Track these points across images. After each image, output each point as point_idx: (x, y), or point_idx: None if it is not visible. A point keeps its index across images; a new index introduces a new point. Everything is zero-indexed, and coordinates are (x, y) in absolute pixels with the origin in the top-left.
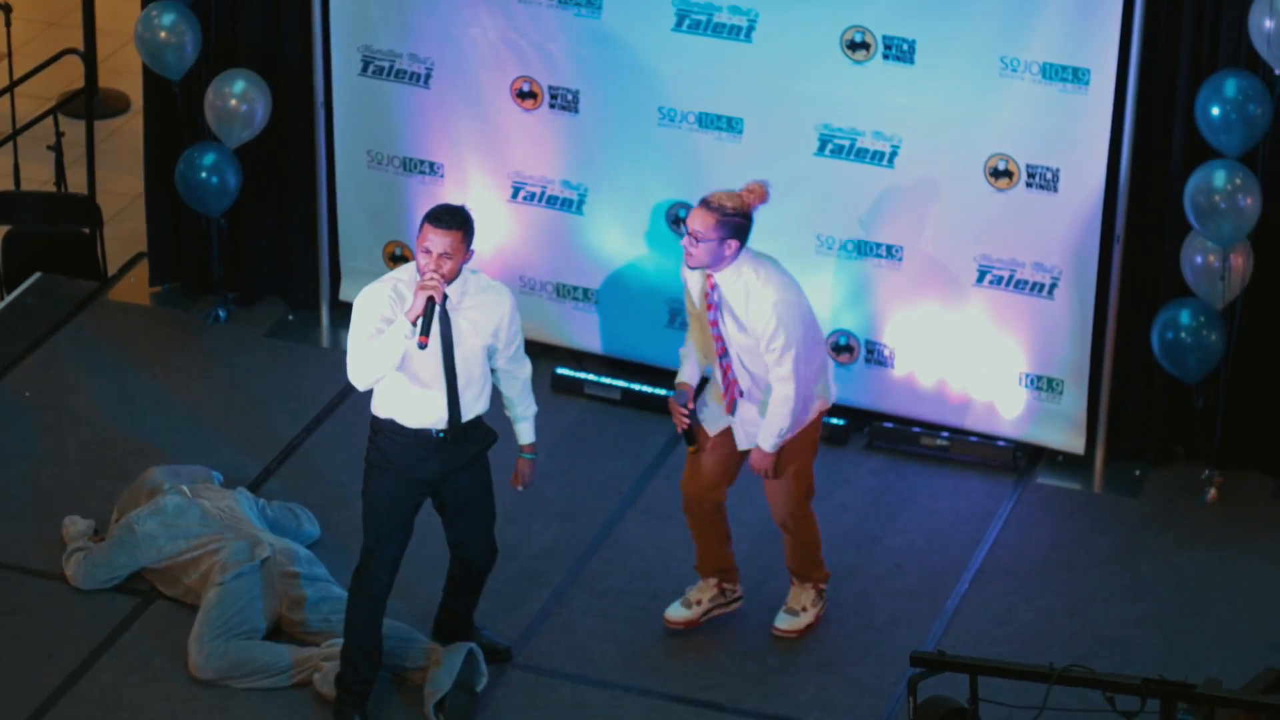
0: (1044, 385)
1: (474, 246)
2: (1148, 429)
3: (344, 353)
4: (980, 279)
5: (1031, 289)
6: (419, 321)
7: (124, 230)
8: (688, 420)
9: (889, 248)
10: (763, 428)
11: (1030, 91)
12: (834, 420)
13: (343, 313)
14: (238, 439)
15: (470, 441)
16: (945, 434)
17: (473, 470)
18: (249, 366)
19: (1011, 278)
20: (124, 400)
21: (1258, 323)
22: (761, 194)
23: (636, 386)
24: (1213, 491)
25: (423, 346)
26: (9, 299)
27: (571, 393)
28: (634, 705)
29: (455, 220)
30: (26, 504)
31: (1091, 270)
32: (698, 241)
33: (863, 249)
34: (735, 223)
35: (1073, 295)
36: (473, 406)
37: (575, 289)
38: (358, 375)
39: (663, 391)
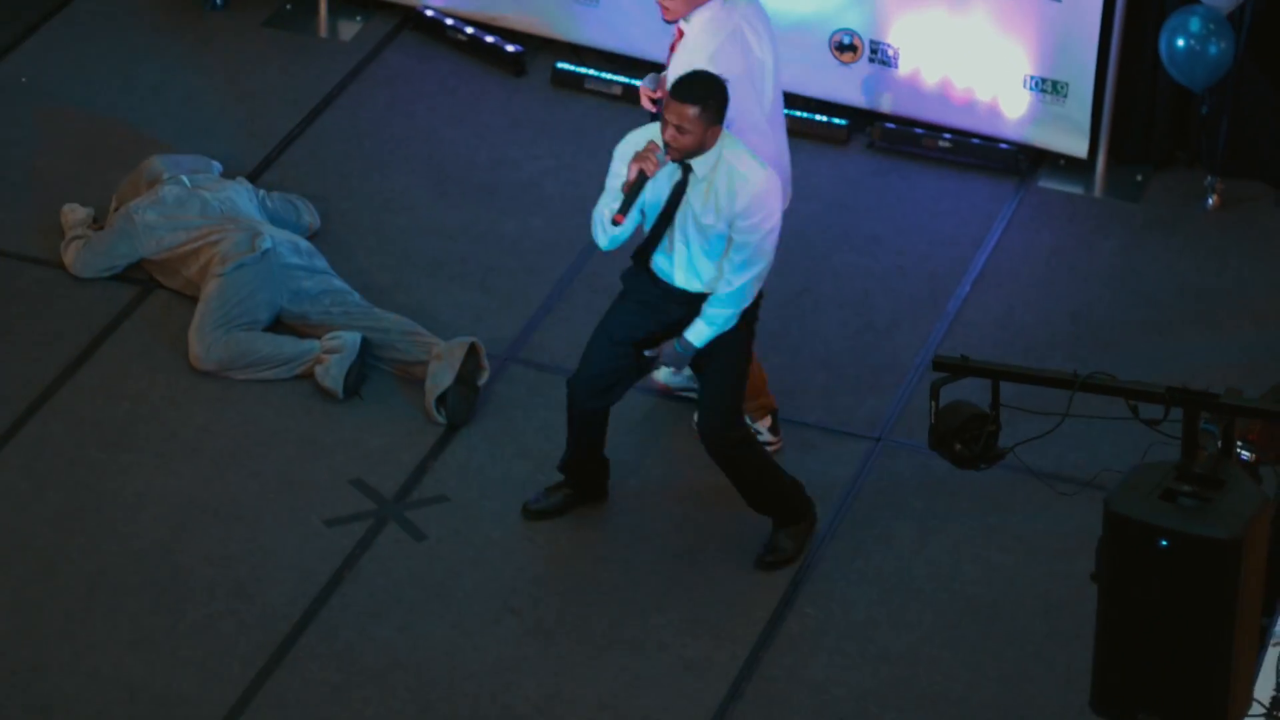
0: (1048, 88)
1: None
2: (1151, 134)
3: (342, 43)
4: None
5: None
6: (625, 195)
7: None
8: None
9: None
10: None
11: None
12: (836, 120)
13: (340, 2)
14: (237, 128)
15: (674, 305)
16: (948, 135)
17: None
18: (247, 55)
19: None
20: (122, 87)
21: (1266, 31)
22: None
23: (637, 82)
24: (1214, 198)
25: (616, 225)
26: None
27: (572, 88)
28: (633, 399)
29: (695, 93)
30: (24, 190)
31: None
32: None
33: None
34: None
35: None
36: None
37: None
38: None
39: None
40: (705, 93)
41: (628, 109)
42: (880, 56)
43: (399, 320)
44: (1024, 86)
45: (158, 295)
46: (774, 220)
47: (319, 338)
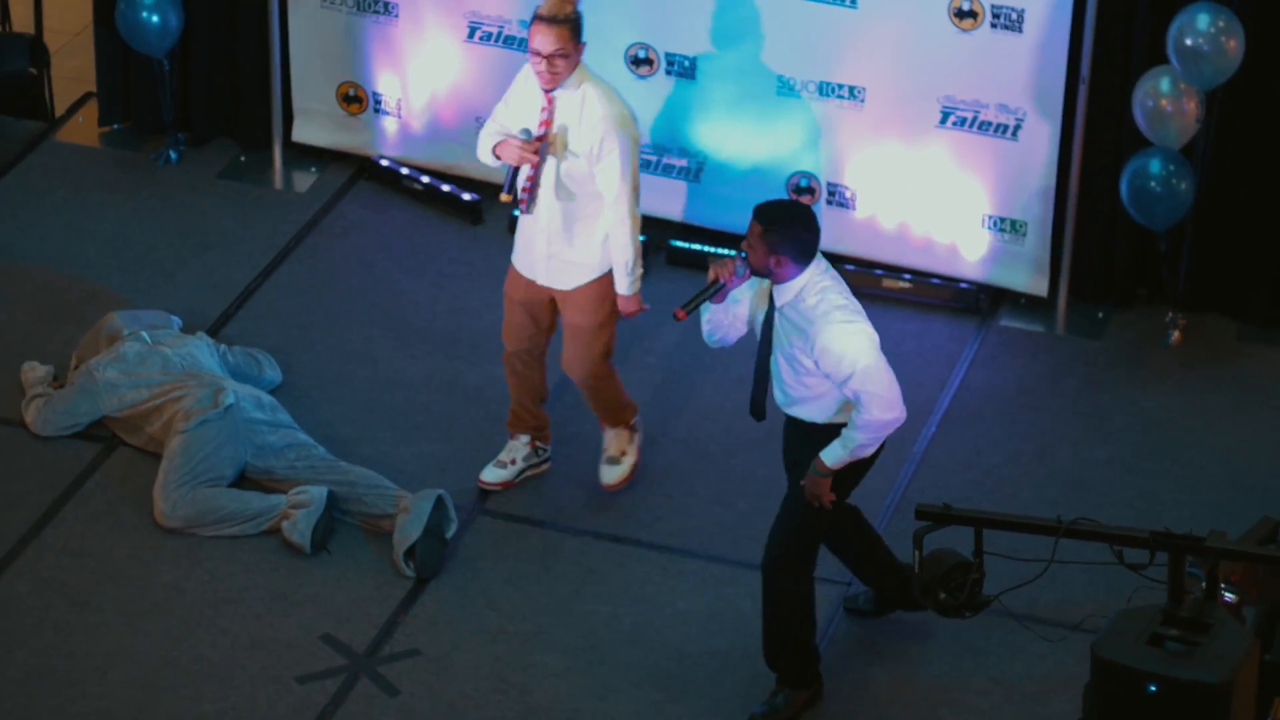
0: (1007, 227)
1: None
2: (1111, 271)
3: (297, 195)
4: (944, 120)
5: (995, 130)
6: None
7: (68, 68)
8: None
9: (851, 88)
10: (614, 266)
11: None
12: None
13: (295, 153)
14: (194, 282)
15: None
16: (908, 275)
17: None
18: (202, 208)
19: (975, 119)
20: (78, 243)
21: (1222, 167)
22: None
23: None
24: (1176, 334)
25: (676, 319)
26: None
27: None
28: (605, 551)
29: (760, 213)
30: None
31: (1056, 112)
32: (560, 58)
33: (824, 90)
34: (579, 24)
35: (1037, 137)
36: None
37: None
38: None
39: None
40: (771, 216)
41: None
42: (838, 199)
43: (365, 473)
44: (983, 226)
45: (121, 452)
46: (858, 365)
47: (285, 492)
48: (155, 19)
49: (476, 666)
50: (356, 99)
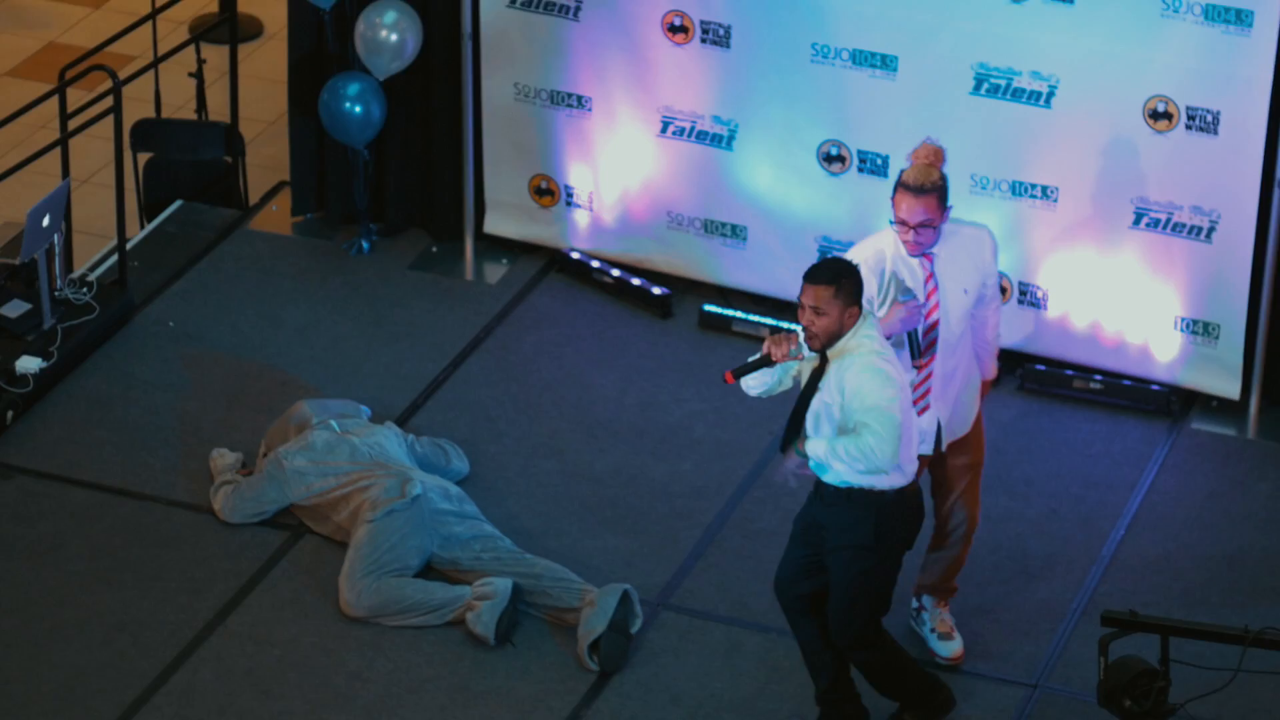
0: (1199, 329)
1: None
2: None
3: (488, 286)
4: (1137, 221)
5: (1189, 232)
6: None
7: (261, 156)
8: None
9: (1044, 188)
10: (991, 355)
11: (1192, 32)
12: None
13: (486, 245)
14: (383, 372)
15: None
16: (1099, 377)
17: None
18: (393, 299)
19: (1169, 220)
20: (268, 331)
21: None
22: (937, 152)
23: (784, 324)
24: None
25: (726, 382)
26: (150, 227)
27: (720, 329)
28: (789, 649)
29: (826, 274)
30: (173, 436)
31: (1251, 214)
32: (928, 229)
33: (1017, 189)
34: (946, 189)
35: (1231, 239)
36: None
37: (723, 225)
38: None
39: None
40: (837, 273)
41: None
42: (1030, 298)
43: (550, 566)
44: (1175, 328)
45: (307, 541)
46: (884, 403)
47: (470, 584)
48: (359, 109)
49: None
50: (549, 192)
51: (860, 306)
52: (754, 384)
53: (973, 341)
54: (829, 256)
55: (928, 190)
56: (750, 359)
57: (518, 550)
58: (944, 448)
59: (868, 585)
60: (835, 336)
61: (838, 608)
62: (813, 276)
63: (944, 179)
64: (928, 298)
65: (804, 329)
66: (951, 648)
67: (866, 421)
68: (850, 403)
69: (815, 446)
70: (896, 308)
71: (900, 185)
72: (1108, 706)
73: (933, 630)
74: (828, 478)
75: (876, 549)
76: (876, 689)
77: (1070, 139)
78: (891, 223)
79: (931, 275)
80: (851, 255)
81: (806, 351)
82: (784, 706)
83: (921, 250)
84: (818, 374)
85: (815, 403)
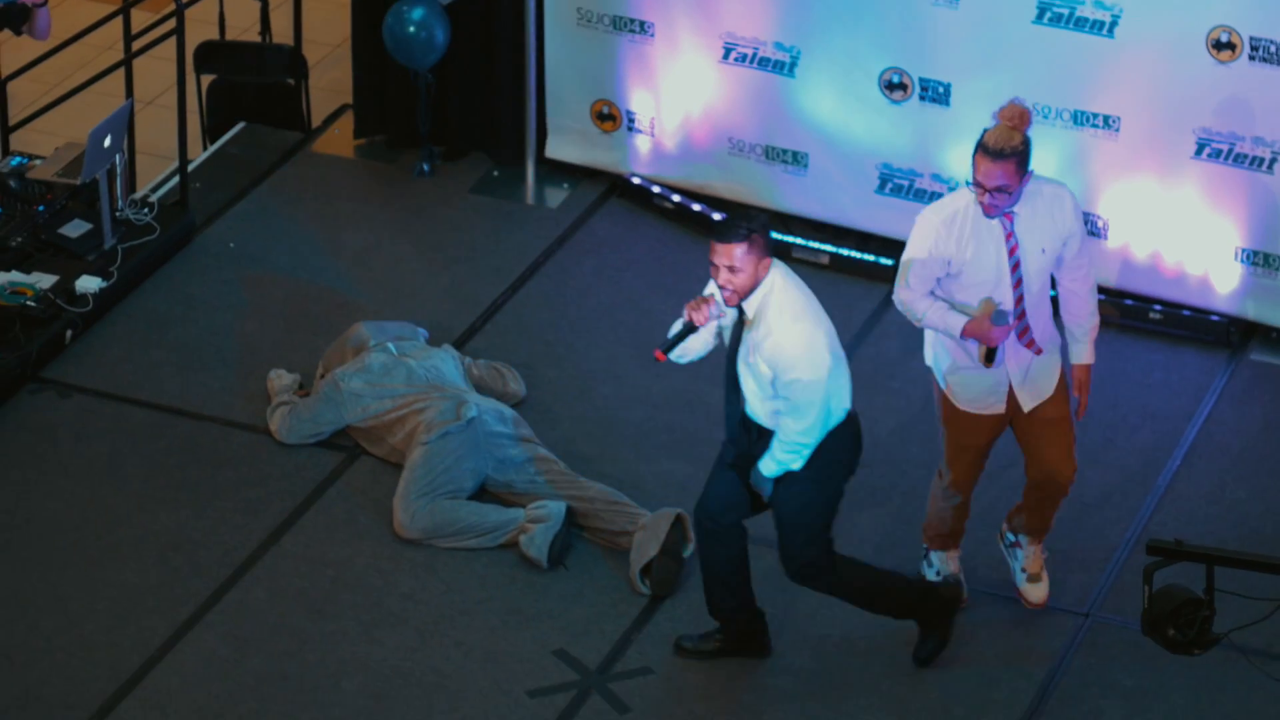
0: (1260, 261)
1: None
2: None
3: (549, 211)
4: (1198, 152)
5: (1250, 163)
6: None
7: (325, 80)
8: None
9: (1106, 118)
10: (1085, 337)
11: None
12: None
13: (547, 169)
14: (442, 295)
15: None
16: (1158, 307)
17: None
18: (453, 222)
19: (1230, 151)
20: (328, 253)
21: None
22: (1022, 115)
23: (844, 251)
24: None
25: (657, 360)
26: (213, 149)
27: (779, 256)
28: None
29: (736, 234)
30: (231, 356)
31: None
32: (1003, 193)
33: (1079, 119)
34: (1028, 154)
35: None
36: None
37: (784, 152)
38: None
39: (870, 257)
40: (747, 229)
41: (835, 277)
42: (1090, 228)
43: (604, 490)
44: (1235, 259)
45: (363, 462)
46: (808, 375)
47: (524, 506)
48: (423, 34)
49: (707, 686)
50: (610, 117)
51: (770, 256)
52: (683, 353)
53: (1066, 322)
54: (732, 215)
55: (1006, 155)
56: (673, 331)
57: (572, 474)
58: (1024, 408)
59: (809, 516)
60: (751, 290)
61: (783, 541)
62: (724, 236)
63: (1026, 143)
64: (1010, 254)
65: (720, 288)
66: (1037, 593)
67: (787, 396)
68: (774, 372)
69: (765, 467)
70: (986, 321)
71: (980, 147)
72: (1151, 635)
73: (1023, 569)
74: (758, 419)
75: (817, 479)
76: (875, 612)
77: (1132, 69)
78: (968, 183)
79: (1011, 234)
80: (927, 214)
81: (726, 309)
82: (834, 632)
83: (998, 213)
84: (739, 331)
85: (740, 364)
